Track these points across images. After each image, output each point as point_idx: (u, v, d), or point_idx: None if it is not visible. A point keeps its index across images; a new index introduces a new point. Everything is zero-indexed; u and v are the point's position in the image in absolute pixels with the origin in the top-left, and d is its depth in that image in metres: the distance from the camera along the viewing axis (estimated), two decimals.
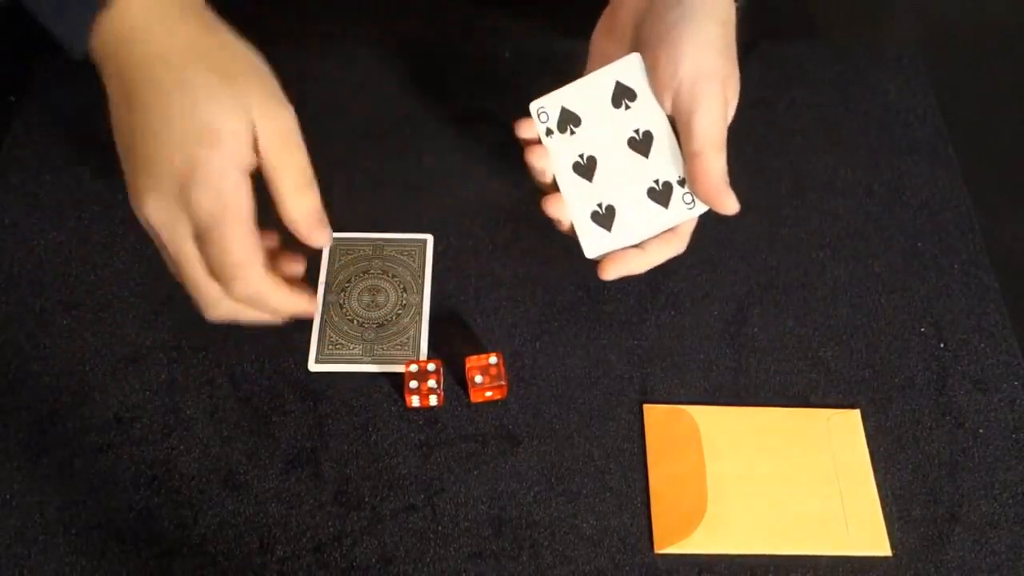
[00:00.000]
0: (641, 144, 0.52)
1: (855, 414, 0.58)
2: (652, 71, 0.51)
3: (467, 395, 0.57)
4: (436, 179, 0.68)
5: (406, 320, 0.61)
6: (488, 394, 0.57)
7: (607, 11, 0.56)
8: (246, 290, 0.48)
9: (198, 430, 0.56)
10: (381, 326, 0.60)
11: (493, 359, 0.57)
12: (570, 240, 0.65)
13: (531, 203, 0.66)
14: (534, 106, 0.53)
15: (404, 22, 0.77)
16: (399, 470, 0.55)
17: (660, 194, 0.52)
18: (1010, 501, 0.55)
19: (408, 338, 0.60)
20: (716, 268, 0.64)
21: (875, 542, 0.53)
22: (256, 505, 0.53)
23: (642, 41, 0.52)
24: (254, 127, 0.47)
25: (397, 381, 0.58)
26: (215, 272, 0.48)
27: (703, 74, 0.50)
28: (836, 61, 0.75)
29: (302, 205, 0.50)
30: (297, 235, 0.50)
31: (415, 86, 0.72)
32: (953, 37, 0.78)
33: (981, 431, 0.58)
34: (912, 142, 0.70)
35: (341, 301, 0.61)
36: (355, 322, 0.60)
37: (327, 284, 0.62)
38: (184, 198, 0.47)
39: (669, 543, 0.52)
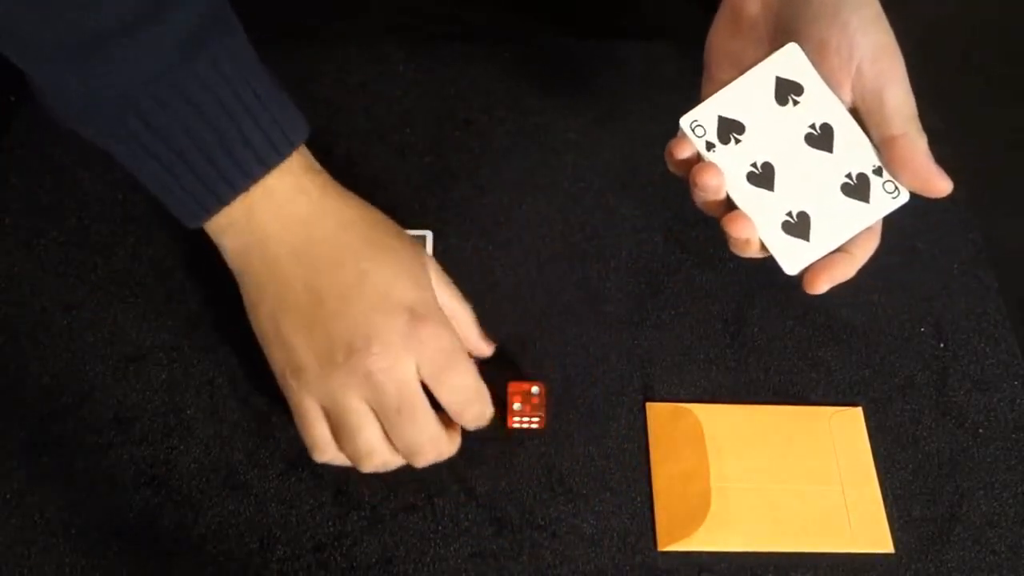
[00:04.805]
0: (821, 139, 0.48)
1: (857, 412, 0.58)
2: (820, 57, 0.48)
3: (503, 419, 0.55)
4: (436, 179, 0.68)
5: None
6: (521, 422, 0.55)
7: (725, 10, 0.53)
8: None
9: (198, 430, 0.56)
10: None
11: (535, 389, 0.55)
12: (571, 240, 0.65)
13: (530, 203, 0.66)
14: (685, 121, 0.49)
15: (404, 22, 0.77)
16: (399, 470, 0.55)
17: (856, 188, 0.48)
18: (1010, 501, 0.55)
19: None
20: (716, 268, 0.64)
21: (878, 539, 0.53)
22: (256, 505, 0.53)
23: (793, 30, 0.49)
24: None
25: None
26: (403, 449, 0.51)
27: (882, 50, 0.47)
28: None
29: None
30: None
31: (415, 86, 0.72)
32: (950, 36, 0.78)
33: (981, 431, 0.58)
34: None
35: None
36: None
37: None
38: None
39: (673, 541, 0.52)
